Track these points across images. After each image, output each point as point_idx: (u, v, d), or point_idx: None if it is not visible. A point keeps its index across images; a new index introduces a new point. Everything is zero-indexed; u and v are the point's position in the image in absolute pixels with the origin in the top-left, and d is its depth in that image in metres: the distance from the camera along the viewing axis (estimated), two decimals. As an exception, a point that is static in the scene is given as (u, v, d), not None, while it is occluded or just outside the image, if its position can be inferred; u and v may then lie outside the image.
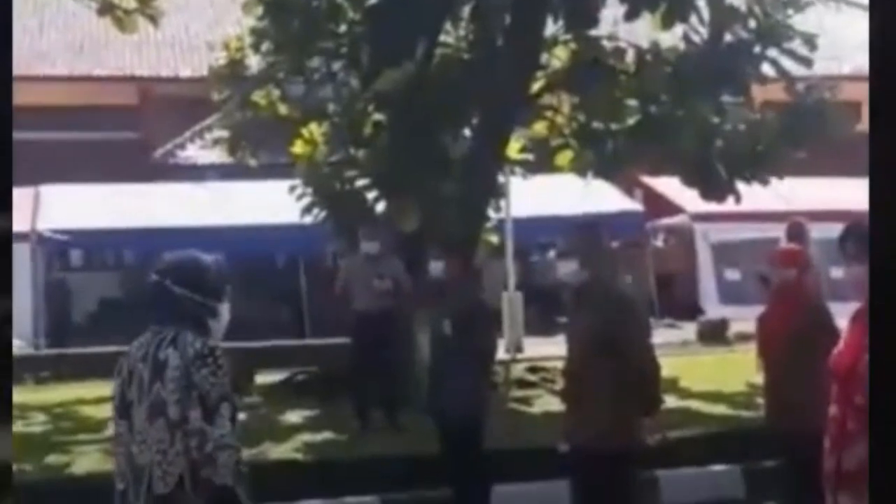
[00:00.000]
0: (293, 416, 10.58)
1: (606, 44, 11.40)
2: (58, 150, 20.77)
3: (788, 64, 10.80)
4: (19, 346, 13.54)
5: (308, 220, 11.66)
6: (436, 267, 7.97)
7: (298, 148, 11.59)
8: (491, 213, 11.97)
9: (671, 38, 11.05)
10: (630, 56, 11.36)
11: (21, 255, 15.04)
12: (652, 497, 7.80)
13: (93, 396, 11.22)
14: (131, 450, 3.54)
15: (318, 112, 11.94)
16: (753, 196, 11.81)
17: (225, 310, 3.73)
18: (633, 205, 18.77)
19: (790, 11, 10.89)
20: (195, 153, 21.41)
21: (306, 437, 9.57)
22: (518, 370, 12.78)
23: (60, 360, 14.62)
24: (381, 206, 11.12)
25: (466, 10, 11.47)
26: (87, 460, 8.65)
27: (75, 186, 17.72)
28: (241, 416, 3.79)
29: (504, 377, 12.12)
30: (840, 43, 20.17)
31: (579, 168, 12.11)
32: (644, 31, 11.35)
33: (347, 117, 11.39)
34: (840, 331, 4.20)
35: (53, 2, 23.91)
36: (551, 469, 6.55)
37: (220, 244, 11.32)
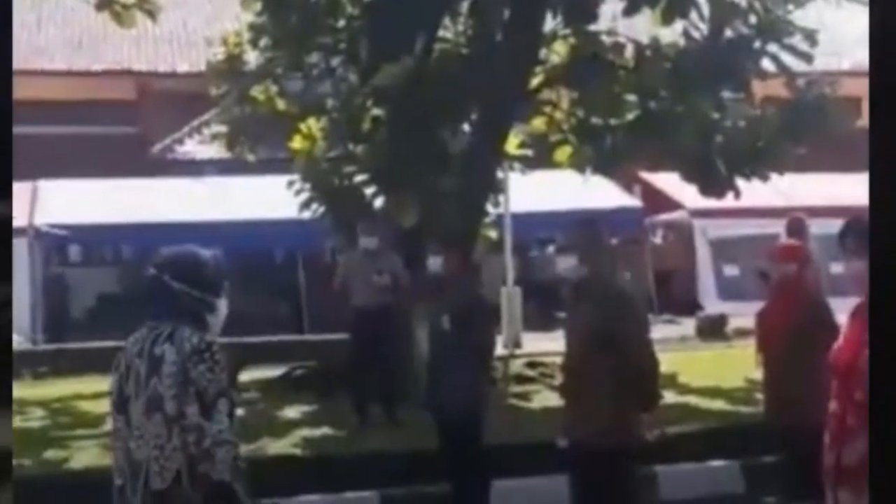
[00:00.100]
0: (291, 412, 10.57)
1: (606, 39, 11.38)
2: (56, 145, 20.74)
3: (788, 59, 10.78)
4: (17, 341, 13.51)
5: (307, 215, 11.67)
6: (434, 262, 7.94)
7: (297, 143, 11.60)
8: (490, 208, 11.97)
9: (671, 34, 11.03)
10: (629, 51, 11.33)
11: (19, 250, 15.02)
12: (650, 492, 7.78)
13: (91, 391, 11.23)
14: (129, 445, 3.52)
15: (316, 107, 11.93)
16: (753, 192, 11.81)
17: (223, 305, 3.72)
18: (632, 200, 18.73)
19: (790, 7, 10.88)
20: (193, 148, 21.41)
21: (305, 432, 9.56)
22: (517, 365, 12.77)
23: (58, 356, 14.64)
24: (379, 202, 11.11)
25: (465, 5, 11.45)
26: (86, 455, 8.64)
27: (73, 181, 17.67)
28: (239, 411, 3.77)
29: (503, 372, 12.11)
30: (840, 38, 20.14)
31: (578, 163, 12.09)
32: (644, 27, 11.34)
33: (346, 112, 11.37)
34: (840, 326, 4.18)
35: (52, -3, 23.94)
36: (550, 464, 6.54)
37: (219, 239, 11.25)
